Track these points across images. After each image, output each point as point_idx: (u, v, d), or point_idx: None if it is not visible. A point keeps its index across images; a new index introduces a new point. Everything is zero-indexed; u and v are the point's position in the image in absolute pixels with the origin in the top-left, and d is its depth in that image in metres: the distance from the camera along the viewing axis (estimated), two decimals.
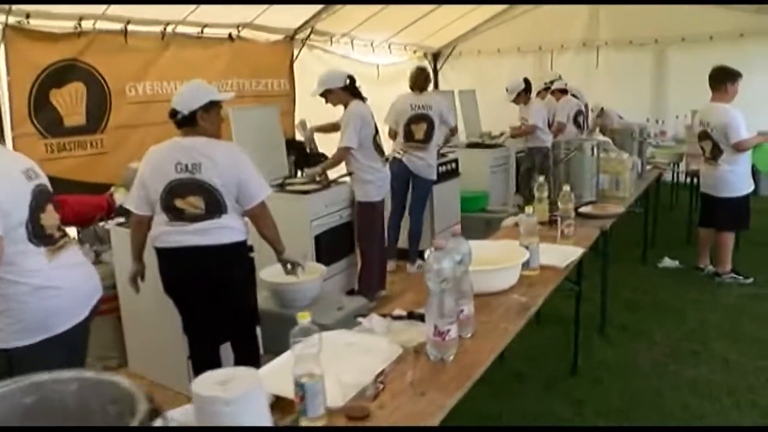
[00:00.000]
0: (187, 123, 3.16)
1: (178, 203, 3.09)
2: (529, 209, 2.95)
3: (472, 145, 7.34)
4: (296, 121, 9.00)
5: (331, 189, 4.86)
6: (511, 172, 7.36)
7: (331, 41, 9.37)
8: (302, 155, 5.65)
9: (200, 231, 3.10)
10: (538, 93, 7.87)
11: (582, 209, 4.05)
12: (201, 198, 3.10)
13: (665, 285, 5.31)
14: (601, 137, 5.05)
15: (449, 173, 6.26)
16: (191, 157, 3.09)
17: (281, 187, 4.81)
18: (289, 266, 3.53)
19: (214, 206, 3.12)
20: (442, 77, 11.28)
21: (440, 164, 5.98)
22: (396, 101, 5.83)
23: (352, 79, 4.78)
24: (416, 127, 5.61)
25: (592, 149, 4.46)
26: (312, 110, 9.28)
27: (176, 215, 3.10)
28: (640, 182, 5.28)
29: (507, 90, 6.90)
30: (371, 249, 4.94)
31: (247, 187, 3.18)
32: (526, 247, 2.81)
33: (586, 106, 8.48)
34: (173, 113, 3.17)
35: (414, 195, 5.79)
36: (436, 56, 11.29)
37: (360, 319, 2.39)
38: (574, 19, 10.39)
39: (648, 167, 5.78)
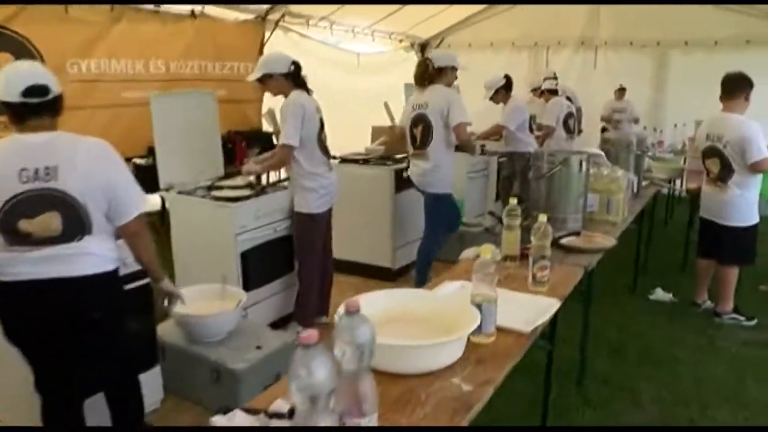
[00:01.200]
0: (46, 110, 2.32)
1: (23, 225, 2.25)
2: (486, 249, 2.12)
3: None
4: (264, 111, 8.28)
5: (267, 196, 4.02)
6: (492, 179, 6.53)
7: (308, 24, 8.52)
8: (270, 149, 4.87)
9: (52, 259, 2.28)
10: (535, 91, 7.05)
11: (564, 240, 3.26)
12: (57, 215, 2.28)
13: (657, 325, 4.50)
14: (593, 149, 4.20)
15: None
16: (43, 159, 2.26)
17: (208, 190, 3.99)
18: (165, 300, 2.72)
19: (75, 225, 2.30)
20: None
21: (402, 169, 5.13)
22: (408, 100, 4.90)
23: (297, 66, 3.94)
24: (416, 131, 4.64)
25: (581, 164, 3.64)
26: (280, 98, 8.52)
27: (18, 239, 2.27)
28: (636, 202, 4.48)
29: (485, 86, 6.05)
30: (310, 268, 4.12)
31: (119, 196, 2.37)
32: (478, 306, 2.01)
33: (578, 109, 7.70)
34: (36, 91, 2.28)
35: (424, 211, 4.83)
36: (423, 47, 10.46)
37: (214, 419, 1.58)
38: (573, 16, 9.61)
39: (644, 183, 4.97)
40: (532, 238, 2.64)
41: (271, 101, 8.25)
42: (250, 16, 7.93)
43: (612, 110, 9.17)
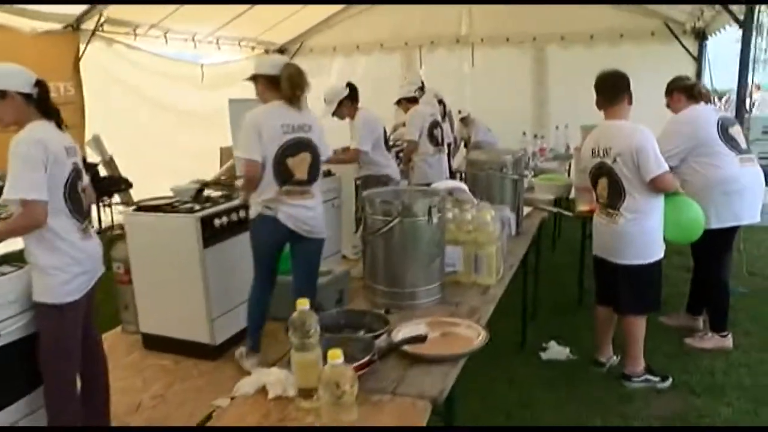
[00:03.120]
0: None
1: None
2: None
3: None
4: (87, 138, 6.72)
5: None
6: (349, 208, 5.22)
7: (135, 34, 6.96)
8: (97, 181, 3.66)
9: None
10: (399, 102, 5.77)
11: (403, 334, 2.02)
12: None
13: (553, 402, 3.32)
14: (452, 183, 2.98)
15: (233, 225, 3.83)
16: None
17: None
18: None
19: None
20: None
21: (218, 213, 3.75)
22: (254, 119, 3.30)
23: (41, 85, 2.51)
24: (294, 161, 3.30)
25: (429, 212, 2.40)
26: (109, 122, 6.95)
27: None
28: (517, 244, 3.31)
29: (324, 100, 4.74)
30: (60, 384, 2.68)
31: None
32: None
33: (448, 113, 6.54)
34: None
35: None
36: (280, 54, 9.05)
37: None
38: (445, 12, 8.50)
39: (526, 211, 3.83)
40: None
41: (98, 126, 6.75)
42: (58, 26, 6.32)
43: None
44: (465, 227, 2.67)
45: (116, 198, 6.56)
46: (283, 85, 3.26)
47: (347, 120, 4.80)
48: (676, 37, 7.66)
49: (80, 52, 6.53)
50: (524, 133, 6.07)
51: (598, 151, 3.28)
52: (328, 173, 4.83)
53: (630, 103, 3.30)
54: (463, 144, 7.24)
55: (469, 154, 3.55)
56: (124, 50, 6.99)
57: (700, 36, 7.58)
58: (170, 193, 4.00)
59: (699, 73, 7.64)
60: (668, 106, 4.02)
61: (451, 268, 2.67)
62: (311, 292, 3.49)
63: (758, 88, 17.99)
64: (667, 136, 3.64)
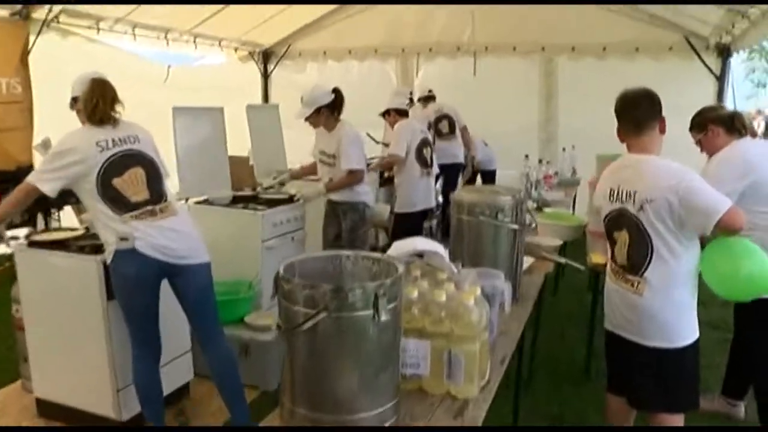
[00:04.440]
0: None
1: None
2: None
3: (238, 200, 3.99)
4: (35, 142, 5.83)
5: None
6: (317, 237, 4.30)
7: (98, 27, 6.07)
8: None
9: None
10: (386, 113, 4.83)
11: None
12: None
13: None
14: (422, 244, 2.06)
15: None
16: None
17: None
18: None
19: None
20: (275, 85, 8.16)
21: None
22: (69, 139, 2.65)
23: None
24: (123, 181, 2.61)
25: (376, 301, 1.48)
26: (61, 124, 6.01)
27: None
28: (514, 316, 2.40)
29: (303, 101, 3.85)
30: None
31: None
32: None
33: (462, 128, 5.72)
34: None
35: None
36: (266, 57, 8.16)
37: None
38: (446, 17, 7.60)
39: (526, 263, 2.91)
40: None
41: (48, 128, 5.88)
42: (4, 13, 5.46)
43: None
44: (436, 311, 1.77)
45: (66, 209, 5.69)
46: (85, 107, 2.63)
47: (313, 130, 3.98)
48: (697, 53, 6.77)
49: (29, 45, 5.65)
50: (527, 156, 5.19)
51: (619, 195, 2.35)
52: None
53: (663, 131, 2.38)
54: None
55: (455, 192, 2.66)
56: (83, 44, 6.11)
57: (724, 52, 6.70)
58: None
59: (720, 93, 6.78)
60: (699, 143, 3.11)
61: (413, 370, 1.78)
62: (215, 337, 2.76)
63: (759, 113, 17.13)
64: (714, 179, 2.67)
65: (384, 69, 7.95)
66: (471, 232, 2.47)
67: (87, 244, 2.86)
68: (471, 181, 6.73)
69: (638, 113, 2.36)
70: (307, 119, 3.89)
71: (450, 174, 6.02)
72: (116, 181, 2.57)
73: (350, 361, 1.52)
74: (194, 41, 6.94)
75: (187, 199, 3.97)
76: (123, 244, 2.51)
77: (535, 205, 4.39)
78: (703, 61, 6.77)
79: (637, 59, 6.95)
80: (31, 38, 5.64)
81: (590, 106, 6.60)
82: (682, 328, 2.34)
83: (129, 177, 2.60)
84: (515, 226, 2.46)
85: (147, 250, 2.52)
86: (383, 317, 1.47)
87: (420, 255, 1.98)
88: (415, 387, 1.80)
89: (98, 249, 2.75)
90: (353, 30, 7.72)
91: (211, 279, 2.73)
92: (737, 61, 6.94)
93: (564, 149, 6.28)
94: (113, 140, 2.62)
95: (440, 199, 4.85)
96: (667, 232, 2.22)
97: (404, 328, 1.73)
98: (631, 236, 2.31)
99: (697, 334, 2.36)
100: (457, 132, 6.16)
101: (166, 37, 6.65)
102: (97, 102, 2.61)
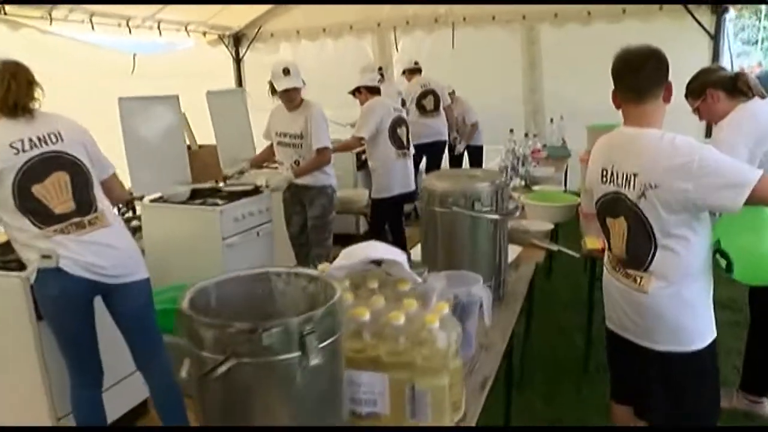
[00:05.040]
0: None
1: None
2: None
3: (198, 195, 3.64)
4: None
5: None
6: (281, 237, 3.91)
7: (51, 18, 5.64)
8: None
9: None
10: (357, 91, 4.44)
11: None
12: None
13: None
14: (381, 250, 1.68)
15: None
16: None
17: None
18: None
19: None
20: (249, 69, 7.74)
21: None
22: None
23: None
24: (45, 189, 2.25)
25: (303, 342, 1.12)
26: None
27: None
28: (498, 320, 2.03)
29: (287, 72, 3.54)
30: None
31: None
32: None
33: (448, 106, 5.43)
34: None
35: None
36: (237, 40, 7.72)
37: None
38: None
39: (514, 252, 2.55)
40: None
41: None
42: None
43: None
44: (393, 340, 1.41)
45: None
46: None
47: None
48: (689, 11, 6.36)
49: None
50: (512, 131, 4.81)
51: (614, 176, 1.94)
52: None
53: (667, 100, 1.93)
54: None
55: (423, 178, 2.28)
56: (38, 36, 5.67)
57: (719, 8, 6.29)
58: None
59: (716, 54, 6.38)
60: (696, 111, 2.70)
61: (369, 408, 1.43)
62: (155, 362, 2.41)
63: (759, 65, 16.73)
64: (727, 147, 2.28)
65: (360, 45, 7.56)
66: (444, 225, 2.10)
67: (11, 258, 2.49)
68: (458, 159, 6.39)
69: (641, 77, 1.90)
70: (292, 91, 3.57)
71: (433, 152, 5.68)
72: (36, 189, 2.20)
73: (276, 414, 1.17)
74: (158, 27, 6.50)
75: (141, 198, 3.60)
76: (46, 263, 2.16)
77: (523, 183, 4.03)
78: (696, 19, 6.36)
79: (625, 21, 6.54)
80: None
81: (577, 75, 6.34)
82: (697, 328, 1.95)
83: (51, 184, 2.22)
84: (496, 216, 2.09)
85: (73, 268, 2.16)
86: (313, 361, 1.11)
87: (378, 262, 1.62)
88: (373, 425, 1.45)
89: (24, 265, 2.38)
90: (326, 7, 7.28)
91: (149, 297, 2.37)
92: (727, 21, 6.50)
93: (552, 120, 5.90)
94: (30, 140, 2.23)
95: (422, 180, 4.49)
96: (677, 221, 1.81)
97: (355, 359, 1.38)
98: (629, 226, 1.91)
99: (714, 334, 1.97)
100: (441, 109, 5.82)
101: (127, 24, 6.21)
102: (9, 84, 2.20)
